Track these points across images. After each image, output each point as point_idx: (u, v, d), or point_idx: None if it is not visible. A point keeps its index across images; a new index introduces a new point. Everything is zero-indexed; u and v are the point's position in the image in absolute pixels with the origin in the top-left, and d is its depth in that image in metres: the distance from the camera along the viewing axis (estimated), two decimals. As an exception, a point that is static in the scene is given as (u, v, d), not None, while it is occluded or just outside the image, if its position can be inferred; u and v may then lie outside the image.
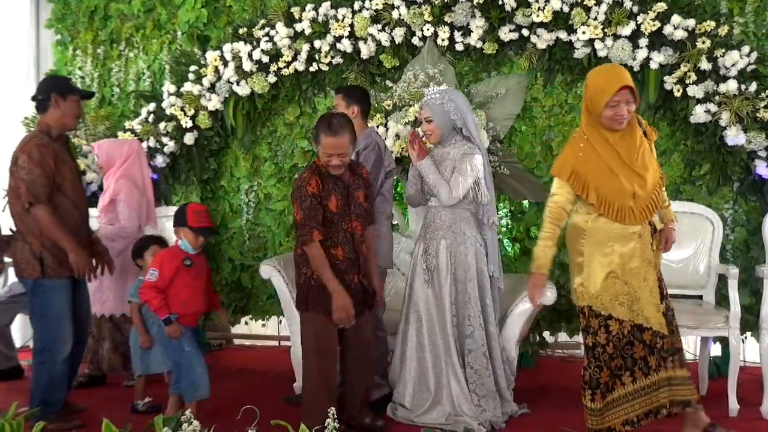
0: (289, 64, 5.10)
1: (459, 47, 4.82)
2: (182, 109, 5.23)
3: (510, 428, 3.80)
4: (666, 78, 4.48)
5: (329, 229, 3.52)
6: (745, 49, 4.37)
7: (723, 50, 4.35)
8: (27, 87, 5.67)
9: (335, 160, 3.48)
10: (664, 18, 4.43)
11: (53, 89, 3.83)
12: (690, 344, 4.85)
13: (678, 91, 4.45)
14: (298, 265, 3.61)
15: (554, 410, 4.02)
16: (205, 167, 5.40)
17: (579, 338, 5.16)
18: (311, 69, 5.11)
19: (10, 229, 4.02)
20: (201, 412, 3.59)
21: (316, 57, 5.06)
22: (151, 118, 5.32)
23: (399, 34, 4.84)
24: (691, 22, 4.40)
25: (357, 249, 3.59)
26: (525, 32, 4.67)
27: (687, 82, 4.41)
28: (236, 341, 5.88)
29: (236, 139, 5.37)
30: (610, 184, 3.19)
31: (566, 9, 4.53)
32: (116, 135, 5.32)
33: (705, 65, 4.36)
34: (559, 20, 4.58)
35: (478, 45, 4.79)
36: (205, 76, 5.21)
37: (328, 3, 4.97)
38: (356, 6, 4.92)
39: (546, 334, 4.98)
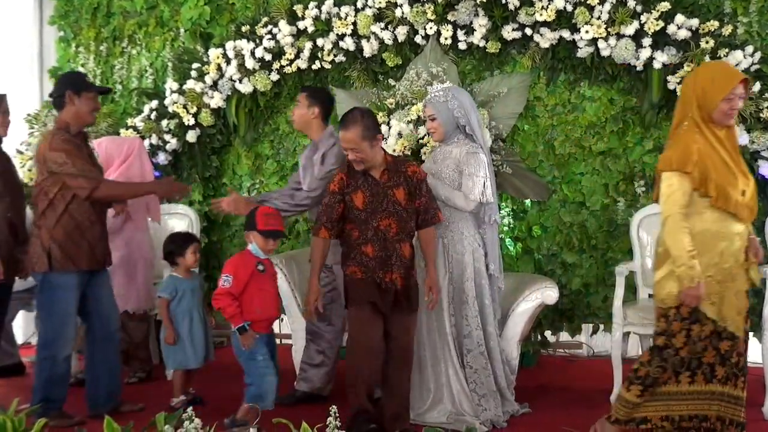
0: (291, 62, 5.09)
1: (462, 46, 4.81)
2: (185, 107, 5.23)
3: (511, 427, 3.79)
4: (669, 78, 4.47)
5: (358, 226, 3.49)
6: (749, 49, 4.35)
7: (727, 50, 4.34)
8: (30, 84, 5.69)
9: (351, 154, 3.47)
10: (667, 17, 4.41)
11: (68, 86, 3.82)
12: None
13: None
14: (340, 264, 3.64)
15: (555, 410, 4.02)
16: (208, 165, 5.41)
17: (580, 338, 5.17)
18: (314, 67, 5.11)
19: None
20: (201, 412, 3.55)
21: (319, 55, 5.06)
22: (153, 116, 5.32)
23: (402, 32, 4.83)
24: (694, 22, 4.38)
25: (390, 247, 3.49)
26: (528, 31, 4.66)
27: (690, 82, 4.40)
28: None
29: (238, 137, 5.37)
30: (726, 177, 3.08)
31: (569, 8, 4.52)
32: (118, 132, 5.31)
33: (708, 65, 4.35)
34: (563, 19, 4.57)
35: (481, 44, 4.78)
36: (208, 73, 5.21)
37: (331, 1, 4.96)
38: (359, 4, 4.91)
39: (548, 333, 4.97)
